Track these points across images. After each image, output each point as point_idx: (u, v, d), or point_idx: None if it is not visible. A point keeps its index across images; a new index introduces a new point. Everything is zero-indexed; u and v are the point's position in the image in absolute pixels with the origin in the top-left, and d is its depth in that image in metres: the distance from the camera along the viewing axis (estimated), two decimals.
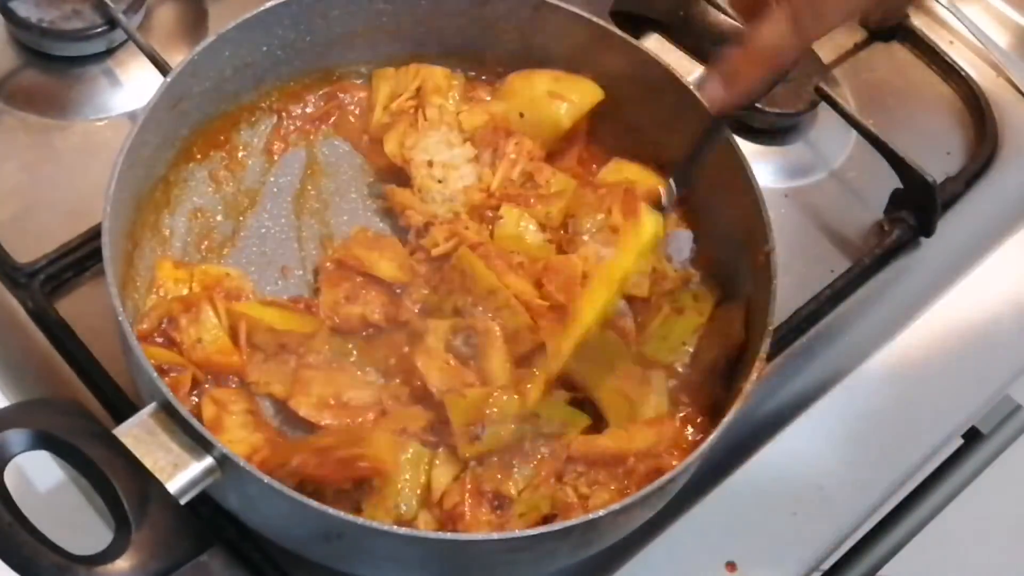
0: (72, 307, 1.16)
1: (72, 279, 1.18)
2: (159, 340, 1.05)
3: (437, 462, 1.03)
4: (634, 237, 1.05)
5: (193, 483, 0.90)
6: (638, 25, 1.25)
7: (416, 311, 1.11)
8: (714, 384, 1.10)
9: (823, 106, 1.39)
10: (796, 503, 1.16)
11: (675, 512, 1.13)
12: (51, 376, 1.13)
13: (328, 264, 1.14)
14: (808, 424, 1.21)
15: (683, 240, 1.18)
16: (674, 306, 1.14)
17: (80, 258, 1.17)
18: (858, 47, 1.52)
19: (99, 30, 1.30)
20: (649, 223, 1.04)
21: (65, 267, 1.17)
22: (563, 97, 1.18)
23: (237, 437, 1.01)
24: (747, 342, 1.10)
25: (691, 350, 1.12)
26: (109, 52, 1.33)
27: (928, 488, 1.26)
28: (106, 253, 0.97)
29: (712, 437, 0.98)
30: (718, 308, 1.14)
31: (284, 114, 1.22)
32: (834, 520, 1.16)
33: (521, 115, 1.18)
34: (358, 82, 1.24)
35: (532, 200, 1.16)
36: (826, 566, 1.20)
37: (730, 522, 1.14)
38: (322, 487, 0.97)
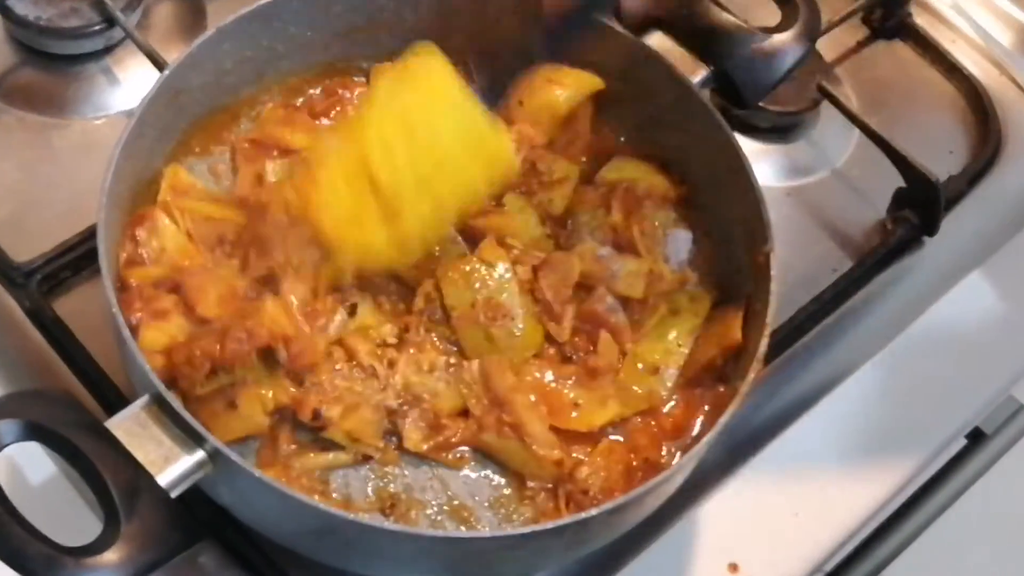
0: (69, 306, 1.16)
1: (70, 278, 1.18)
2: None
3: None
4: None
5: (184, 476, 0.89)
6: (642, 23, 1.24)
7: None
8: (711, 385, 1.10)
9: (825, 104, 1.40)
10: (799, 504, 1.16)
11: (677, 513, 1.13)
12: (47, 374, 1.13)
13: (244, 144, 1.16)
14: (811, 424, 1.20)
15: (681, 241, 1.17)
16: (670, 307, 1.13)
17: (77, 257, 1.17)
18: (860, 45, 1.52)
19: (97, 28, 1.30)
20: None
21: (62, 266, 1.17)
22: (561, 84, 1.18)
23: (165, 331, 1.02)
24: (745, 342, 1.09)
25: (686, 351, 1.11)
26: (107, 50, 1.33)
27: (931, 489, 1.25)
28: (101, 247, 0.97)
29: (708, 437, 0.98)
30: (716, 309, 1.14)
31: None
32: (837, 521, 1.16)
33: (520, 103, 1.18)
34: (358, 77, 1.23)
35: (535, 187, 1.16)
36: (829, 567, 1.20)
37: (733, 523, 1.14)
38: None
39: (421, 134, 1.01)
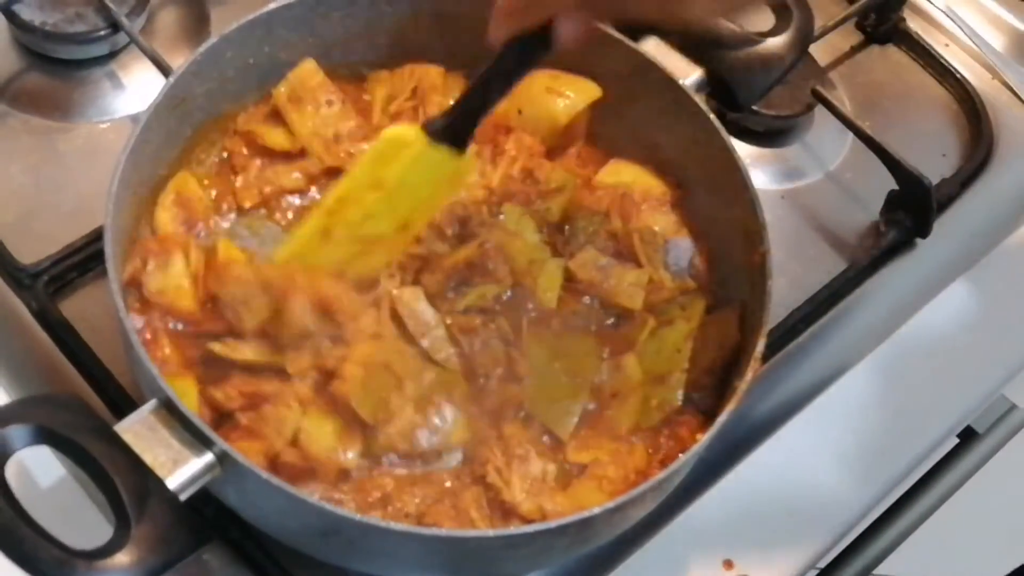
0: (76, 308, 1.17)
1: (76, 280, 1.18)
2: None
3: None
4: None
5: (193, 479, 0.90)
6: (636, 27, 1.25)
7: None
8: (713, 385, 1.10)
9: (819, 108, 1.40)
10: (793, 501, 1.17)
11: (673, 510, 1.13)
12: (55, 377, 1.13)
13: (239, 148, 1.18)
14: (805, 423, 1.21)
15: (683, 249, 1.17)
16: (662, 319, 1.13)
17: (84, 259, 1.18)
18: (854, 50, 1.53)
19: (102, 33, 1.31)
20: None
21: (69, 268, 1.18)
22: (561, 93, 1.19)
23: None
24: (742, 343, 1.10)
25: (687, 355, 1.11)
26: (112, 55, 1.33)
27: (923, 487, 1.26)
28: (108, 251, 0.97)
29: (706, 436, 0.98)
30: (712, 313, 1.14)
31: None
32: (830, 518, 1.17)
33: (520, 111, 1.19)
34: (360, 84, 1.24)
35: (533, 196, 1.16)
36: (822, 564, 1.21)
37: (727, 520, 1.15)
38: None
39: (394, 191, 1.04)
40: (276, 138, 1.17)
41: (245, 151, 1.18)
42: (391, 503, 1.01)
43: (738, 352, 1.10)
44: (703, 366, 1.10)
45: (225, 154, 1.18)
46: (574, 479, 1.05)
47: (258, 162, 1.17)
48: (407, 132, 1.02)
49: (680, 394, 1.09)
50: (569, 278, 1.13)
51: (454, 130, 1.01)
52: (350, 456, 1.01)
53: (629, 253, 1.15)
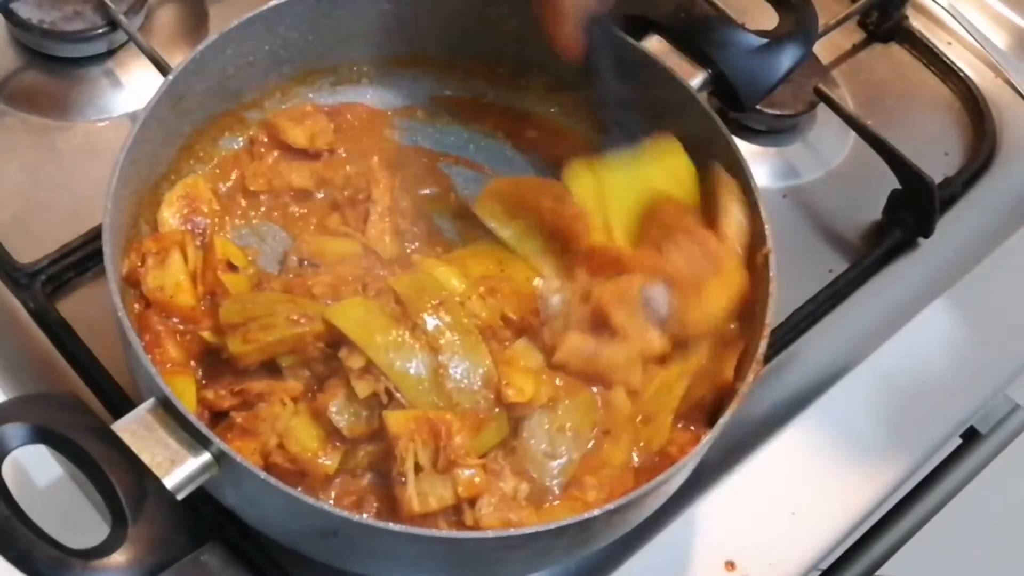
0: (74, 307, 1.16)
1: (74, 279, 1.18)
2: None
3: None
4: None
5: (190, 479, 0.90)
6: (639, 27, 1.25)
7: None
8: (704, 420, 1.07)
9: (822, 107, 1.40)
10: (795, 502, 1.16)
11: (674, 511, 1.13)
12: (52, 376, 1.13)
13: (261, 136, 1.19)
14: (807, 424, 1.21)
15: (659, 297, 1.10)
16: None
17: (81, 258, 1.18)
18: (857, 48, 1.53)
19: (100, 31, 1.30)
20: None
21: (66, 268, 1.18)
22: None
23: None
24: (745, 344, 1.08)
25: (679, 394, 1.07)
26: (110, 53, 1.33)
27: (926, 488, 1.25)
28: (106, 250, 0.97)
29: (707, 439, 0.98)
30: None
31: None
32: (833, 519, 1.16)
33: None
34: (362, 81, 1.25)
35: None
36: (825, 565, 1.20)
37: (729, 521, 1.15)
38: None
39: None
40: (297, 136, 1.18)
41: (266, 140, 1.19)
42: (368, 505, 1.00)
43: (727, 395, 1.05)
44: (694, 400, 1.07)
45: (241, 141, 1.19)
46: (549, 500, 1.03)
47: (275, 154, 1.18)
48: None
49: (667, 433, 1.06)
50: (562, 366, 1.07)
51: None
52: (330, 463, 1.00)
53: (605, 322, 1.09)
